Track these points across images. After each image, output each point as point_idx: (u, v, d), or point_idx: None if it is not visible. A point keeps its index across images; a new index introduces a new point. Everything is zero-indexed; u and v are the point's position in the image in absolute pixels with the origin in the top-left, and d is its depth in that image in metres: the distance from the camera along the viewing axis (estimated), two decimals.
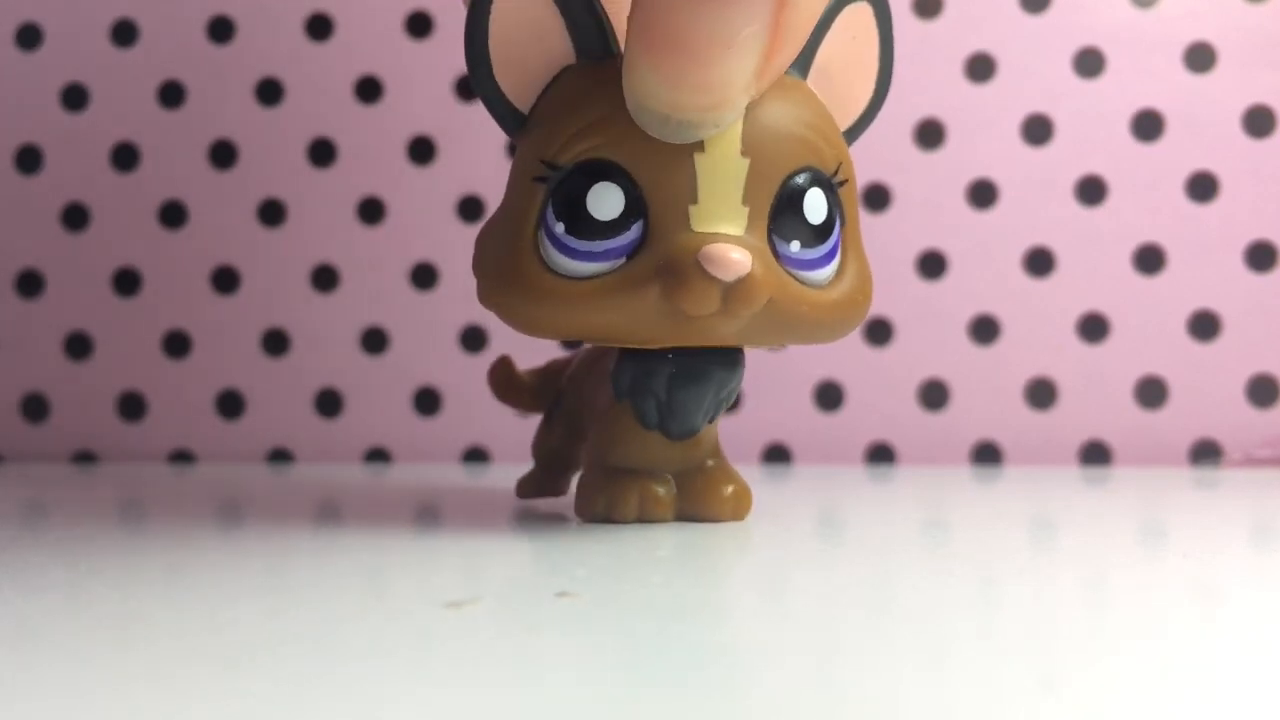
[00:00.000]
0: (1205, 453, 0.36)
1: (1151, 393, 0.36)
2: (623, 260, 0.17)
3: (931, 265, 0.37)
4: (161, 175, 0.38)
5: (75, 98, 0.39)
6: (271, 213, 0.38)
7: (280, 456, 0.38)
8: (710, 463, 0.20)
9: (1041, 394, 0.36)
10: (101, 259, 0.39)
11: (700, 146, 0.17)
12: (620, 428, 0.20)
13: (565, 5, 0.18)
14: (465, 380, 0.37)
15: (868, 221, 0.37)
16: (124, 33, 0.39)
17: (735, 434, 0.37)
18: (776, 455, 0.37)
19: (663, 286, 0.17)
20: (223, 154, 0.38)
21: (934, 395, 0.37)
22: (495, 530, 0.19)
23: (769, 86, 0.17)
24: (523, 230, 0.18)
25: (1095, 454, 0.36)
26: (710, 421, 0.20)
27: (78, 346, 0.39)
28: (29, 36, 0.39)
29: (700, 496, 0.20)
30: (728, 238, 0.17)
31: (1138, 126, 0.36)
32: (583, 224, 0.17)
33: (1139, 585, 0.15)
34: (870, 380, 0.37)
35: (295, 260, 0.38)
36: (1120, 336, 0.36)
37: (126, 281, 0.38)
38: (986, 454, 0.37)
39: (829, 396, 0.37)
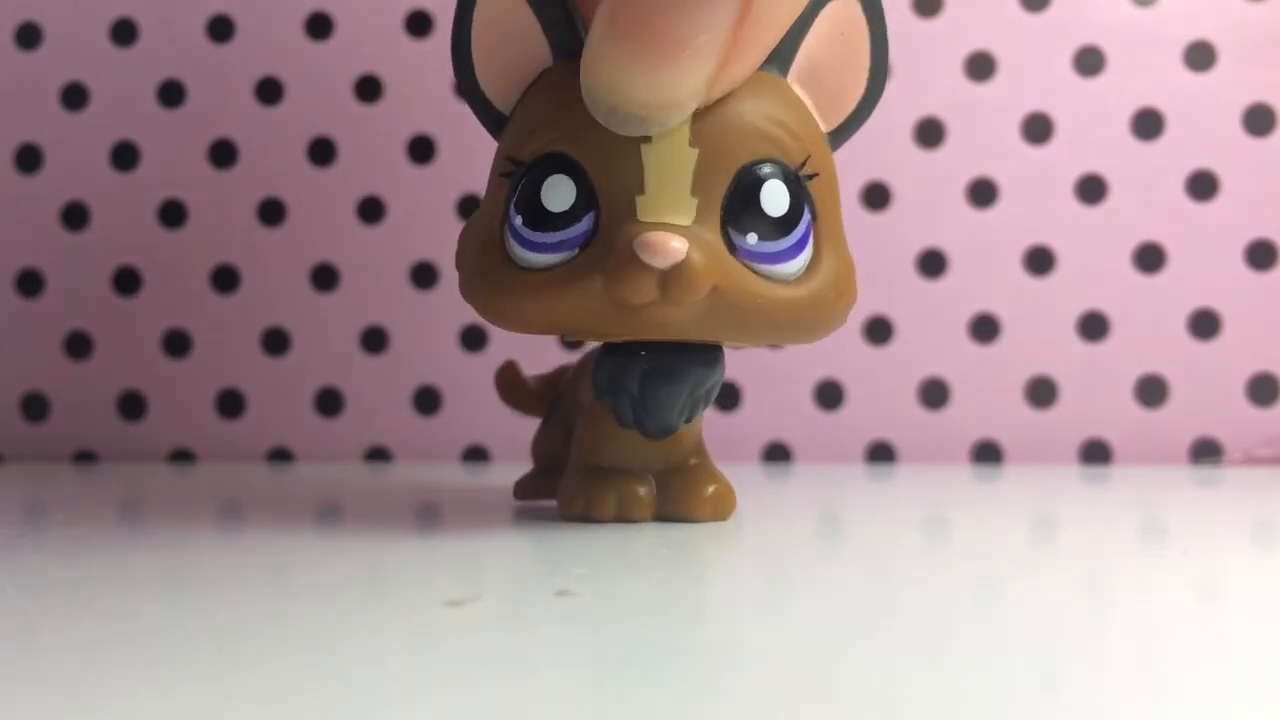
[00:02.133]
0: (1205, 451, 0.36)
1: (1152, 391, 0.36)
2: (576, 252, 0.17)
3: (931, 264, 0.37)
4: (161, 175, 0.38)
5: (75, 97, 0.39)
6: (271, 212, 0.38)
7: (280, 456, 0.38)
8: (693, 461, 0.20)
9: (1042, 392, 0.36)
10: (101, 259, 0.39)
11: (648, 137, 0.17)
12: (600, 426, 0.20)
13: (540, 8, 0.18)
14: (465, 379, 0.37)
15: (868, 221, 0.37)
16: (124, 32, 0.39)
17: (735, 433, 0.37)
18: (776, 454, 0.37)
19: (604, 276, 0.17)
20: (223, 153, 0.38)
21: (934, 394, 0.37)
22: (495, 529, 0.19)
23: (727, 90, 0.17)
24: (492, 226, 0.18)
25: (1095, 452, 0.36)
26: (688, 420, 0.20)
27: (78, 346, 0.39)
28: (29, 36, 0.39)
29: (680, 496, 0.20)
30: (670, 227, 0.17)
31: (1138, 125, 0.36)
32: (538, 216, 0.17)
33: (1139, 583, 0.15)
34: (870, 379, 0.37)
35: (295, 259, 0.38)
36: (1120, 335, 0.36)
37: (126, 281, 0.38)
38: (987, 453, 0.37)
39: (829, 395, 0.37)
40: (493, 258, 0.18)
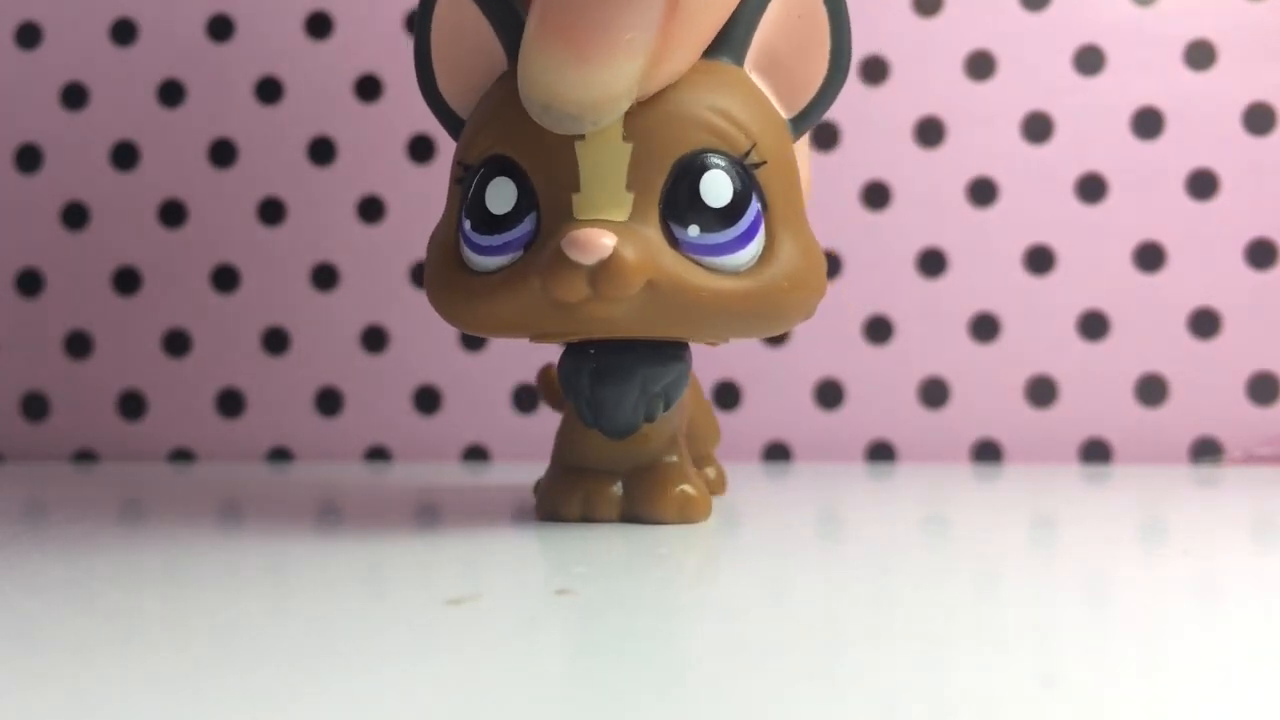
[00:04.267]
0: (1206, 450, 0.36)
1: (1152, 390, 0.36)
2: (520, 253, 0.17)
3: (932, 263, 0.37)
4: (161, 174, 0.38)
5: (75, 97, 0.39)
6: (271, 211, 0.38)
7: (280, 455, 0.38)
8: (668, 460, 0.20)
9: (1042, 391, 0.36)
10: (101, 258, 0.39)
11: (581, 134, 0.17)
12: (572, 426, 0.20)
13: (491, 13, 0.18)
14: (465, 379, 0.37)
15: (868, 220, 0.37)
16: (123, 31, 0.39)
17: (735, 432, 0.37)
18: (777, 453, 0.37)
19: (539, 276, 0.17)
20: (222, 153, 0.38)
21: (934, 393, 0.37)
22: (495, 528, 0.19)
23: (661, 87, 0.17)
24: (449, 232, 0.18)
25: (1095, 451, 0.36)
26: (649, 419, 0.19)
27: (78, 346, 0.39)
28: (29, 35, 0.39)
29: (645, 496, 0.19)
30: (603, 223, 0.17)
31: (1138, 124, 0.36)
32: (485, 220, 0.17)
33: (1139, 582, 0.15)
34: (871, 378, 0.37)
35: (295, 259, 0.38)
36: (1120, 334, 0.36)
37: (126, 280, 0.38)
38: (987, 452, 0.37)
39: (829, 394, 0.37)
40: (449, 263, 0.18)
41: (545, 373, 0.26)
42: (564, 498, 0.20)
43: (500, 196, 0.17)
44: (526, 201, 0.17)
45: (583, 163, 0.17)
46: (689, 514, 0.20)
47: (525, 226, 0.17)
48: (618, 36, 0.16)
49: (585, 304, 0.17)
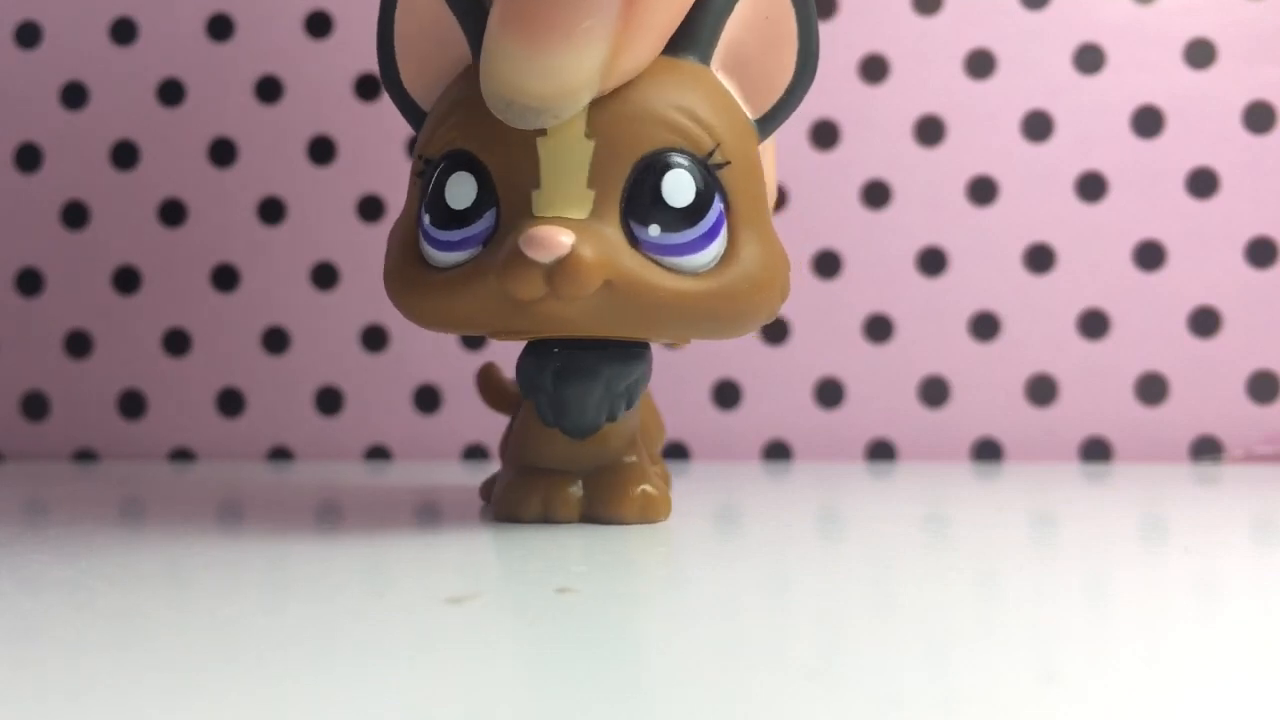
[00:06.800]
0: (1206, 449, 0.36)
1: (1152, 389, 0.36)
2: (479, 249, 0.17)
3: (932, 262, 0.37)
4: (161, 173, 0.38)
5: (75, 96, 0.39)
6: (271, 210, 0.38)
7: (280, 454, 0.38)
8: (627, 460, 0.20)
9: (1042, 390, 0.36)
10: (101, 257, 0.39)
11: (543, 130, 0.17)
12: (528, 425, 0.20)
13: (455, 4, 0.18)
14: (464, 378, 0.37)
15: (868, 219, 0.37)
16: (123, 31, 0.39)
17: (736, 431, 0.37)
18: (777, 452, 0.37)
19: (495, 273, 0.17)
20: (222, 152, 0.38)
21: (934, 392, 0.37)
22: (495, 526, 0.19)
23: (624, 80, 0.17)
24: (408, 226, 0.18)
25: (1096, 450, 0.36)
26: (611, 419, 0.19)
27: (78, 345, 0.39)
28: (29, 35, 0.39)
29: (606, 497, 0.19)
30: (562, 221, 0.16)
31: (1138, 122, 0.36)
32: (444, 214, 0.17)
33: (1140, 581, 0.15)
34: (871, 377, 0.37)
35: (295, 258, 0.38)
36: (1120, 332, 0.36)
37: (126, 279, 0.38)
38: (987, 450, 0.37)
39: (829, 393, 0.37)
40: (408, 257, 0.18)
41: (486, 371, 0.26)
42: (522, 499, 0.19)
43: (460, 192, 0.17)
44: (487, 197, 0.17)
45: (544, 159, 0.17)
46: (650, 514, 0.19)
47: (485, 222, 0.17)
48: (576, 23, 0.16)
49: (541, 302, 0.16)
